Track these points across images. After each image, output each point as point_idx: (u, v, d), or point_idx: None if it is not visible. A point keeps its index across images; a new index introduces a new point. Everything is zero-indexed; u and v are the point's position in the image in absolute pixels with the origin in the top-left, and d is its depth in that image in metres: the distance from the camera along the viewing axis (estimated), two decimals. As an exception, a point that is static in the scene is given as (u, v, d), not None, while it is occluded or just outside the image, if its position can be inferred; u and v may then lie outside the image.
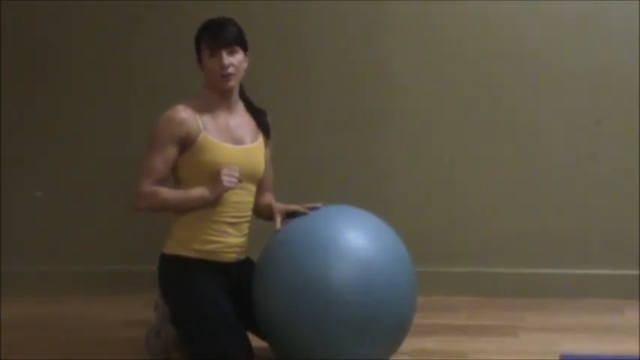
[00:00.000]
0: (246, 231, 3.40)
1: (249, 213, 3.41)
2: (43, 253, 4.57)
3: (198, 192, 3.24)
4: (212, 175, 3.24)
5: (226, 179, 3.22)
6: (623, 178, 4.27)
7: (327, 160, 4.43)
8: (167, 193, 3.24)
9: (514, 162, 4.34)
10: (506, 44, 4.29)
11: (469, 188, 4.37)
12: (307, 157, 4.41)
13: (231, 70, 3.26)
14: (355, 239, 3.11)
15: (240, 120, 3.39)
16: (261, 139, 3.44)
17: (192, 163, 3.25)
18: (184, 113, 3.25)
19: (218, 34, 3.26)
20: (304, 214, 3.30)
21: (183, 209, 3.27)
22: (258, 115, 3.47)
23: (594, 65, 4.25)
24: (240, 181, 3.26)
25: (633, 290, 4.22)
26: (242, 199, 3.36)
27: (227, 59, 3.26)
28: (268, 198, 3.55)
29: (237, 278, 3.32)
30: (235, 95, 3.38)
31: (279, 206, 3.41)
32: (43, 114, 4.56)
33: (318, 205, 3.35)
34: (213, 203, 3.27)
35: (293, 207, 3.36)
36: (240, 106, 3.42)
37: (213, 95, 3.33)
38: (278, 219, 3.36)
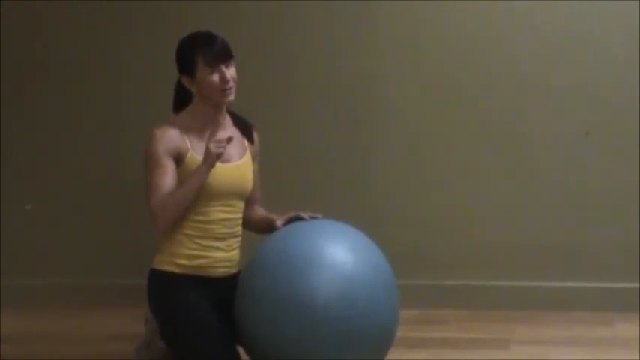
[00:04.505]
0: (236, 245, 3.37)
1: (238, 229, 3.38)
2: (31, 266, 4.56)
3: (196, 172, 3.18)
4: (200, 194, 3.22)
5: (214, 146, 3.14)
6: (612, 189, 4.28)
7: (315, 172, 4.43)
8: (173, 195, 3.18)
9: (504, 174, 4.34)
10: (496, 56, 4.30)
11: (459, 200, 4.37)
12: (295, 168, 4.41)
13: (231, 83, 3.24)
14: (335, 254, 3.08)
15: (227, 135, 3.31)
16: (248, 154, 3.43)
17: (181, 182, 3.21)
18: (171, 131, 3.23)
19: (215, 49, 3.23)
20: (304, 219, 3.31)
21: (193, 198, 3.18)
22: (245, 128, 3.46)
23: (583, 77, 4.26)
24: (229, 143, 3.18)
25: (624, 303, 4.22)
26: (230, 216, 3.33)
27: (228, 73, 3.24)
28: (259, 210, 3.54)
29: (228, 292, 3.28)
30: (224, 109, 3.37)
31: (279, 217, 3.38)
32: (36, 128, 4.55)
33: (319, 216, 3.35)
34: (197, 220, 3.25)
35: (293, 214, 3.35)
36: (227, 121, 3.39)
37: (205, 110, 3.29)
38: (279, 222, 3.34)
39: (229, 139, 3.18)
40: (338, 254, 3.09)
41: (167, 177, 3.19)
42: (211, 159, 3.16)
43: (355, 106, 4.40)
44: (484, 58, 4.31)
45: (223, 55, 3.24)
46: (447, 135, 4.36)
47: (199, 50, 3.22)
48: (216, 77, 3.22)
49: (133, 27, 4.48)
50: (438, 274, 4.38)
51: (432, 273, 4.37)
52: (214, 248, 3.30)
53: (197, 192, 3.20)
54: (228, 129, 3.37)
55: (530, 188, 4.33)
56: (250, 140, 3.47)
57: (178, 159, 3.22)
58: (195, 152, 3.24)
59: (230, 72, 3.24)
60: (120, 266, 4.50)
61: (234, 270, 3.37)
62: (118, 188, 4.50)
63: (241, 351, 3.24)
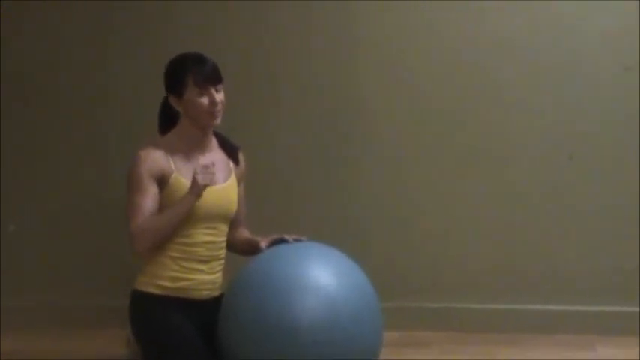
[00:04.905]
0: (219, 268, 3.37)
1: (222, 252, 3.38)
2: (17, 286, 4.54)
3: (181, 200, 3.18)
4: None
5: (201, 177, 3.15)
6: (595, 213, 4.29)
7: (297, 193, 4.42)
8: (155, 219, 3.17)
9: (486, 197, 4.35)
10: (478, 79, 4.31)
11: (442, 223, 4.38)
12: (276, 188, 4.40)
13: (219, 107, 3.24)
14: (317, 277, 3.08)
15: (213, 157, 3.33)
16: (233, 176, 3.42)
17: (165, 205, 3.21)
18: (156, 153, 3.22)
19: (206, 70, 3.23)
20: (289, 242, 3.30)
21: (176, 224, 3.19)
22: (230, 150, 3.46)
23: (566, 101, 4.28)
24: (213, 173, 3.19)
25: (605, 326, 4.23)
26: (214, 238, 3.32)
27: (217, 96, 3.24)
28: (243, 232, 3.54)
29: (211, 315, 3.26)
30: (211, 131, 3.36)
31: (263, 238, 3.38)
32: (20, 146, 4.55)
33: (303, 238, 3.34)
34: (181, 242, 3.24)
35: (277, 236, 3.35)
36: (213, 143, 3.39)
37: (192, 132, 3.28)
38: (263, 243, 3.33)
39: (211, 166, 3.18)
40: (322, 277, 3.09)
41: (149, 199, 3.18)
42: (198, 189, 3.16)
43: (339, 127, 4.39)
44: (468, 82, 4.31)
45: (214, 77, 3.25)
46: (431, 158, 4.36)
47: (190, 71, 3.22)
48: (205, 100, 3.22)
49: (119, 46, 4.48)
50: (419, 296, 4.37)
51: (413, 295, 4.37)
52: (197, 271, 3.29)
53: (181, 220, 3.20)
54: (214, 151, 3.38)
55: (513, 211, 4.34)
56: (236, 162, 3.47)
57: (162, 181, 3.21)
58: (179, 174, 3.23)
59: (219, 96, 3.25)
60: (101, 287, 4.48)
61: (216, 293, 3.36)
62: (104, 210, 4.49)
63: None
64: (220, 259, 3.37)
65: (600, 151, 4.29)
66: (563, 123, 4.30)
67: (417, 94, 4.36)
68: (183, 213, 3.19)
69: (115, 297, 4.22)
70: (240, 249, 3.48)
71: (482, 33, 4.31)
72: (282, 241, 3.34)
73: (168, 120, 3.36)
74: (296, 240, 3.33)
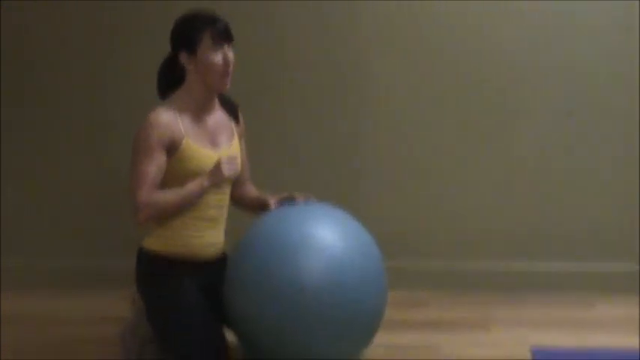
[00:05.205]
0: (224, 227, 3.38)
1: (227, 211, 3.38)
2: (14, 247, 4.53)
3: (196, 183, 3.17)
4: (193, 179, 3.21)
5: (227, 168, 3.16)
6: (595, 170, 4.30)
7: (302, 157, 4.42)
8: (166, 195, 3.15)
9: (485, 157, 4.35)
10: (479, 41, 4.30)
11: (440, 183, 4.39)
12: (282, 152, 4.40)
13: (231, 67, 3.19)
14: (324, 238, 3.09)
15: (216, 118, 3.33)
16: (236, 136, 3.41)
17: (175, 170, 3.18)
18: (167, 116, 3.16)
19: (221, 27, 3.17)
20: (297, 200, 3.31)
21: (184, 207, 3.19)
22: (231, 109, 3.44)
23: (565, 58, 4.27)
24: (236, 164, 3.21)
25: (605, 284, 4.26)
26: (221, 200, 3.33)
27: (230, 55, 3.19)
28: (251, 190, 3.54)
29: (215, 274, 3.29)
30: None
31: (273, 196, 3.39)
32: (24, 109, 4.52)
33: (312, 196, 3.36)
34: (194, 205, 3.23)
35: (286, 194, 3.36)
36: (216, 102, 3.36)
37: (200, 92, 3.23)
38: (272, 202, 3.34)
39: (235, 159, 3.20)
40: (328, 238, 3.10)
41: (155, 168, 3.13)
42: (220, 178, 3.18)
43: (344, 93, 4.38)
44: (469, 43, 4.30)
45: (229, 34, 3.20)
46: (432, 121, 4.35)
47: (206, 27, 3.16)
48: (219, 57, 3.17)
49: (126, 24, 4.45)
50: (420, 256, 4.39)
51: (414, 256, 4.38)
52: (206, 232, 3.30)
53: (191, 203, 3.20)
54: (217, 111, 3.37)
55: (512, 170, 4.35)
56: (237, 120, 3.46)
57: (172, 147, 3.17)
58: (189, 139, 3.20)
59: (231, 55, 3.21)
60: (106, 248, 4.48)
61: (220, 252, 3.38)
62: (109, 172, 4.48)
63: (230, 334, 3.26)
64: (225, 218, 3.38)
65: (600, 108, 4.29)
66: (563, 80, 4.29)
67: (418, 54, 4.34)
68: (196, 196, 3.19)
69: (119, 257, 4.25)
70: (250, 206, 3.49)
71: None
72: (291, 199, 3.34)
73: (170, 81, 3.30)
74: (305, 199, 3.33)
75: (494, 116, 4.33)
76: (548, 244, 4.35)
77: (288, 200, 3.35)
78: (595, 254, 4.32)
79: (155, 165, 3.13)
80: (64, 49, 4.47)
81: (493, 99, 4.33)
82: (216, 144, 3.28)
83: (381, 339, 3.35)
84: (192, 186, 3.17)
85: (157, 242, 3.28)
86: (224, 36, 3.18)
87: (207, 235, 3.31)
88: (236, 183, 3.44)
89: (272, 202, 3.35)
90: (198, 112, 3.26)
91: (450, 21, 4.30)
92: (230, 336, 3.27)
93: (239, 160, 3.25)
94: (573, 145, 4.30)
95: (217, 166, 3.17)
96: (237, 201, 3.48)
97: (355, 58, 4.37)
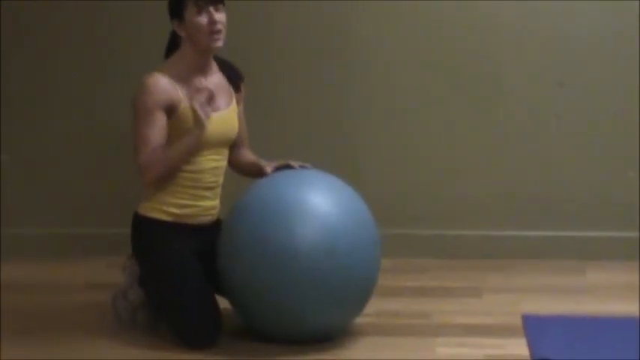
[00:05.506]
0: (219, 192, 3.40)
1: (222, 177, 3.40)
2: (3, 216, 4.52)
3: (190, 136, 3.17)
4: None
5: (201, 112, 3.13)
6: (585, 140, 4.30)
7: (294, 125, 4.41)
8: (165, 152, 3.17)
9: (478, 125, 4.35)
10: (467, 8, 4.28)
11: (433, 151, 4.38)
12: (274, 120, 4.38)
13: (219, 26, 3.21)
14: (318, 204, 3.10)
15: (214, 82, 3.34)
16: (234, 100, 3.42)
17: (175, 132, 3.20)
18: (163, 81, 3.19)
19: None
20: (294, 168, 3.33)
21: (186, 158, 3.21)
22: (231, 73, 3.45)
23: (556, 28, 4.26)
24: (212, 100, 3.19)
25: (596, 251, 4.27)
26: (218, 164, 3.34)
27: (217, 16, 3.20)
28: (248, 154, 3.55)
29: (210, 239, 3.30)
30: (211, 56, 3.34)
31: (269, 163, 3.40)
32: (16, 81, 4.50)
33: (308, 166, 3.36)
34: (190, 170, 3.25)
35: (283, 162, 3.36)
36: (213, 65, 3.38)
37: (193, 58, 3.26)
38: (269, 168, 3.35)
39: (211, 96, 3.17)
40: (322, 204, 3.11)
41: (157, 130, 3.17)
42: (202, 123, 3.15)
43: (335, 57, 4.37)
44: (457, 13, 4.28)
45: None
46: (421, 89, 4.34)
47: None
48: (204, 19, 3.19)
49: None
50: (411, 223, 4.39)
51: (405, 223, 4.38)
52: (203, 197, 3.32)
53: (191, 153, 3.21)
54: (214, 75, 3.37)
55: (503, 139, 4.35)
56: (237, 89, 3.46)
57: (170, 110, 3.20)
58: (186, 102, 3.22)
59: (219, 16, 3.22)
60: (94, 215, 4.47)
61: (215, 217, 3.40)
62: (94, 138, 4.47)
63: (223, 301, 3.27)
64: (220, 184, 3.40)
65: (591, 77, 4.28)
66: (553, 50, 4.28)
67: (409, 26, 4.32)
68: (193, 149, 3.20)
69: (104, 225, 4.27)
70: (246, 171, 3.51)
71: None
72: (287, 167, 3.35)
73: (173, 47, 3.36)
74: (301, 167, 3.35)
75: (487, 84, 4.32)
76: (540, 210, 4.35)
77: (284, 168, 3.35)
78: (586, 221, 4.32)
79: (156, 128, 3.17)
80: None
81: (483, 65, 4.31)
82: (214, 107, 3.27)
83: (372, 305, 3.36)
84: (187, 139, 3.18)
85: (152, 207, 3.29)
86: (207, 0, 3.20)
87: (203, 200, 3.32)
88: (233, 147, 3.46)
89: (268, 168, 3.36)
90: (194, 75, 3.27)
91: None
92: (223, 302, 3.28)
93: (212, 94, 3.20)
94: (564, 112, 4.30)
95: (196, 113, 3.15)
96: (235, 165, 3.51)
97: (345, 28, 4.34)
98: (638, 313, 3.51)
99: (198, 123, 3.16)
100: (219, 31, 3.22)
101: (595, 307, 3.64)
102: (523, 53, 4.29)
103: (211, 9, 3.20)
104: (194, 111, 3.15)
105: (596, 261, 4.24)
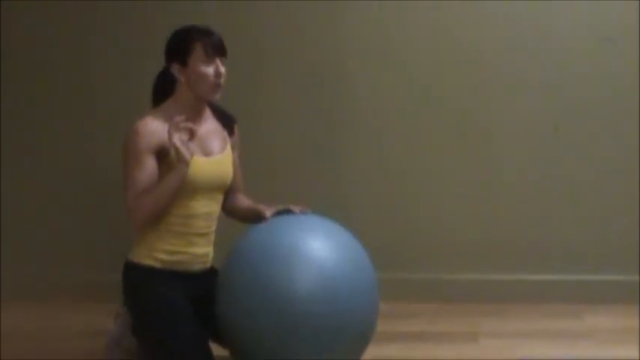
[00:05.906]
0: (212, 240, 3.36)
1: (216, 223, 3.36)
2: (15, 260, 4.51)
3: (173, 172, 3.11)
4: (182, 188, 3.18)
5: (183, 149, 3.07)
6: (580, 185, 4.31)
7: (286, 167, 4.42)
8: (150, 193, 3.12)
9: (473, 170, 4.35)
10: (462, 51, 4.31)
11: (428, 195, 4.38)
12: (266, 162, 4.39)
13: (222, 79, 3.22)
14: (317, 249, 3.08)
15: (208, 127, 3.33)
16: (229, 145, 3.40)
17: (164, 177, 3.16)
18: (154, 124, 3.17)
19: (215, 41, 3.21)
20: (294, 212, 3.29)
21: (173, 193, 3.13)
22: (225, 119, 3.44)
23: (551, 72, 4.28)
24: (192, 136, 3.13)
25: (593, 295, 4.25)
26: (211, 209, 3.32)
27: (221, 67, 3.21)
28: (244, 199, 3.52)
29: (203, 287, 3.27)
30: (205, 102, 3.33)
31: (269, 207, 3.36)
32: (20, 118, 4.53)
33: (309, 211, 3.33)
34: (181, 215, 3.22)
35: (283, 207, 3.33)
36: (207, 112, 3.37)
37: (189, 101, 3.25)
38: (268, 213, 3.30)
39: (192, 132, 3.13)
40: (320, 249, 3.08)
41: (147, 172, 3.14)
42: (183, 156, 3.10)
43: (325, 102, 4.39)
44: (452, 53, 4.31)
45: (222, 49, 3.24)
46: (416, 132, 4.37)
47: (200, 39, 3.19)
48: (211, 69, 3.20)
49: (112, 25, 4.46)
50: (407, 268, 4.38)
51: (401, 267, 4.38)
52: (194, 244, 3.28)
53: (176, 190, 3.15)
54: (209, 120, 3.36)
55: (498, 183, 4.35)
56: (231, 132, 3.45)
57: (162, 153, 3.17)
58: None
59: (223, 69, 3.23)
60: (93, 262, 4.46)
61: (208, 266, 3.36)
62: (94, 186, 4.47)
63: (215, 347, 3.23)
64: (213, 231, 3.36)
65: (586, 122, 4.29)
66: (549, 95, 4.30)
67: (399, 70, 4.36)
68: (177, 183, 3.13)
69: (103, 271, 4.25)
70: (242, 216, 3.47)
71: (462, 6, 4.29)
72: (287, 212, 3.31)
73: (163, 92, 3.33)
74: (301, 211, 3.31)
75: (482, 128, 4.35)
76: (536, 255, 4.34)
77: (285, 212, 3.32)
78: (582, 265, 4.31)
79: (145, 171, 3.13)
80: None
81: (477, 109, 4.35)
82: (207, 152, 3.27)
83: (369, 351, 3.32)
84: (171, 175, 3.12)
85: (141, 254, 3.25)
86: (217, 49, 3.21)
87: (193, 247, 3.28)
88: (229, 193, 3.44)
89: (268, 213, 3.32)
90: (188, 121, 3.22)
91: (431, 30, 4.32)
92: (218, 350, 3.24)
93: (190, 126, 3.12)
94: (560, 157, 4.30)
95: (178, 150, 3.09)
96: (230, 211, 3.47)
97: (336, 65, 4.38)
98: (638, 358, 3.49)
99: (181, 158, 3.10)
100: (220, 84, 3.22)
101: (594, 351, 3.61)
102: (518, 98, 4.31)
103: (218, 60, 3.21)
104: (175, 147, 3.10)
105: (594, 305, 4.22)
